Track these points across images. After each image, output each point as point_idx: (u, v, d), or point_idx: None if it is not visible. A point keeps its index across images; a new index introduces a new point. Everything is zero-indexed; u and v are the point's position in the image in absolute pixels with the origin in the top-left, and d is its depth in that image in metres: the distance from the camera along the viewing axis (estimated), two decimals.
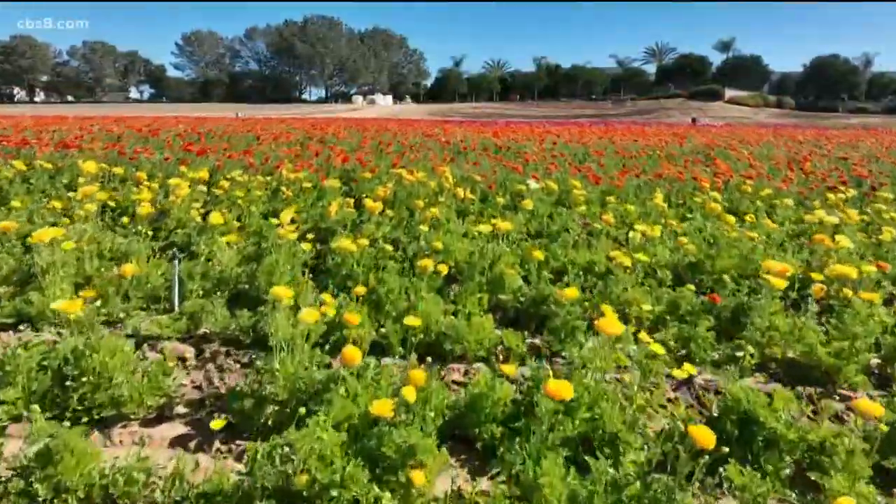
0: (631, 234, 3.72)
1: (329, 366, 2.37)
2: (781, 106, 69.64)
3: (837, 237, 3.48)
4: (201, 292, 3.08)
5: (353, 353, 1.84)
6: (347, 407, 1.84)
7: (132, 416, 1.99)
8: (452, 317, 2.72)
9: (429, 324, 2.57)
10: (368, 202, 3.94)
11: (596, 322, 1.89)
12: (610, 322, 1.89)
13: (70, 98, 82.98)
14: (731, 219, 3.82)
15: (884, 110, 65.07)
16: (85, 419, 1.93)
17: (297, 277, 3.08)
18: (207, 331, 2.75)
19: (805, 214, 4.84)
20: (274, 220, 3.89)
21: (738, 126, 28.81)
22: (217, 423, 1.64)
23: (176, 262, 2.98)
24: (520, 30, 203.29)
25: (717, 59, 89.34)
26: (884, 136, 18.33)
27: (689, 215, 4.69)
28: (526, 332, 2.81)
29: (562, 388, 1.56)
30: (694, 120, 41.25)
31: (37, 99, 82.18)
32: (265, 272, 3.07)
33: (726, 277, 3.10)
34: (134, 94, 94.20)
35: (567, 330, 2.64)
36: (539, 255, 3.23)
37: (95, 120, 15.37)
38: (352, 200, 4.53)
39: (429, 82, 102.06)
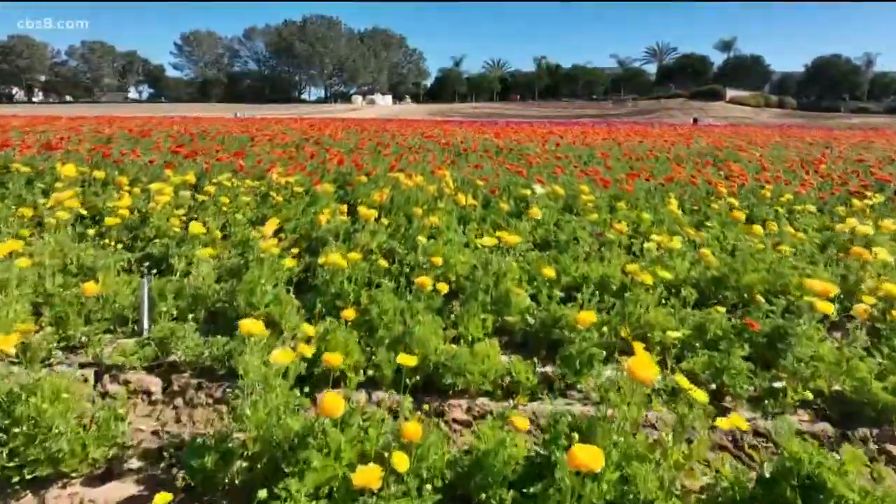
0: (647, 245, 3.41)
1: (314, 401, 2.07)
2: (783, 106, 69.24)
3: (875, 249, 3.18)
4: (174, 312, 2.77)
5: (333, 401, 1.53)
6: (328, 468, 1.53)
7: (74, 474, 1.68)
8: (453, 344, 2.41)
9: (427, 354, 2.27)
10: (363, 209, 3.62)
11: (626, 364, 1.58)
12: (641, 362, 1.58)
13: (68, 98, 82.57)
14: (759, 229, 3.51)
15: (885, 110, 64.72)
16: (16, 478, 1.62)
17: (280, 296, 2.78)
18: (177, 359, 2.44)
19: (831, 222, 4.55)
20: (258, 231, 3.58)
21: (741, 126, 28.47)
22: (162, 498, 1.33)
23: (145, 280, 2.67)
24: (520, 30, 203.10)
25: (718, 59, 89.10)
26: (892, 136, 18.00)
27: (707, 223, 4.38)
28: (536, 359, 2.51)
29: (591, 458, 1.25)
30: (695, 120, 40.89)
31: (35, 99, 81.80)
32: (245, 290, 2.76)
33: (759, 297, 2.78)
34: (133, 94, 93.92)
35: (583, 359, 2.33)
36: (550, 272, 2.92)
37: (87, 120, 15.05)
38: (345, 207, 4.21)
39: (429, 82, 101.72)
